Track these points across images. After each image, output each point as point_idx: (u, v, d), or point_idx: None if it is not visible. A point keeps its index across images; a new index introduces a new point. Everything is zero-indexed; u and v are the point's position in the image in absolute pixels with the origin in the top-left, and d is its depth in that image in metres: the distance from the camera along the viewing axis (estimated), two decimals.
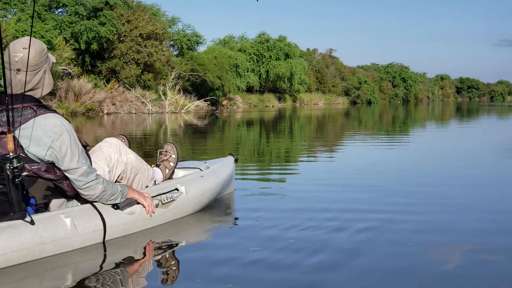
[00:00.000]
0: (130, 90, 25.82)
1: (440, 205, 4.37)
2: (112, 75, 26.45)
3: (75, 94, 22.31)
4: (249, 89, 42.90)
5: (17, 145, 2.83)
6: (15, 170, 2.68)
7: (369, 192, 4.96)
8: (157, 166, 3.97)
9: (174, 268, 2.84)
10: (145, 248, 3.13)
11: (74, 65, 23.53)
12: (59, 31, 24.24)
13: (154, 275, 2.70)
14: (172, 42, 33.02)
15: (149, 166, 3.76)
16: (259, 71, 45.02)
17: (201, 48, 36.90)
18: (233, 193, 4.71)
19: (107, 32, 24.68)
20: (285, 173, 6.47)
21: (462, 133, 15.17)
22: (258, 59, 45.37)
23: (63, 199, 3.12)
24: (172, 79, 28.17)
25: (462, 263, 2.87)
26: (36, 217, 2.84)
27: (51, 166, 2.94)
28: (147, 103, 26.00)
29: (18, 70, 2.90)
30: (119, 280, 2.61)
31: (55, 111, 3.02)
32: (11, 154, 2.69)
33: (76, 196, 3.13)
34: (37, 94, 2.99)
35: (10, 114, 2.78)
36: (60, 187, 3.03)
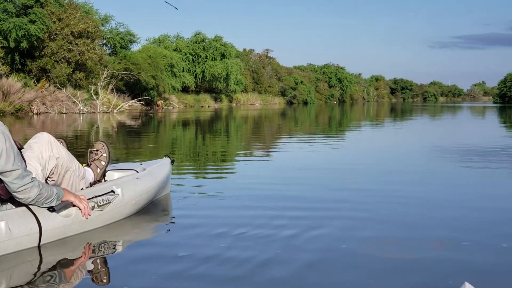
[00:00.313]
0: (61, 89, 25.14)
1: (377, 201, 4.56)
2: (43, 74, 25.68)
3: (3, 94, 21.54)
4: (185, 89, 42.62)
5: None
6: None
7: (304, 190, 5.11)
8: (88, 165, 3.89)
9: (111, 269, 2.85)
10: (81, 250, 3.12)
11: (3, 64, 22.72)
12: None
13: (90, 278, 2.72)
14: (104, 41, 32.37)
15: (80, 164, 3.69)
16: (195, 71, 44.78)
17: (135, 47, 36.35)
18: (170, 195, 4.74)
19: (37, 30, 23.94)
20: (221, 173, 6.55)
21: (395, 133, 15.70)
22: (194, 59, 45.13)
23: None
24: (105, 78, 27.59)
25: (400, 255, 3.03)
26: None
27: None
28: (78, 103, 25.40)
29: None
30: (55, 284, 2.61)
31: None
32: None
33: (10, 199, 3.08)
34: None
35: None
36: None
